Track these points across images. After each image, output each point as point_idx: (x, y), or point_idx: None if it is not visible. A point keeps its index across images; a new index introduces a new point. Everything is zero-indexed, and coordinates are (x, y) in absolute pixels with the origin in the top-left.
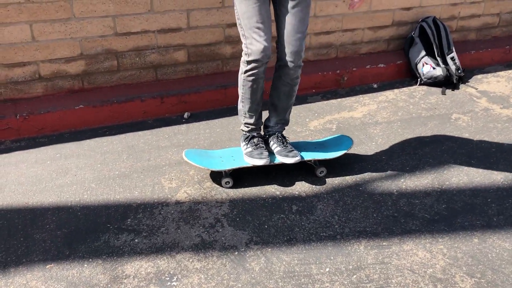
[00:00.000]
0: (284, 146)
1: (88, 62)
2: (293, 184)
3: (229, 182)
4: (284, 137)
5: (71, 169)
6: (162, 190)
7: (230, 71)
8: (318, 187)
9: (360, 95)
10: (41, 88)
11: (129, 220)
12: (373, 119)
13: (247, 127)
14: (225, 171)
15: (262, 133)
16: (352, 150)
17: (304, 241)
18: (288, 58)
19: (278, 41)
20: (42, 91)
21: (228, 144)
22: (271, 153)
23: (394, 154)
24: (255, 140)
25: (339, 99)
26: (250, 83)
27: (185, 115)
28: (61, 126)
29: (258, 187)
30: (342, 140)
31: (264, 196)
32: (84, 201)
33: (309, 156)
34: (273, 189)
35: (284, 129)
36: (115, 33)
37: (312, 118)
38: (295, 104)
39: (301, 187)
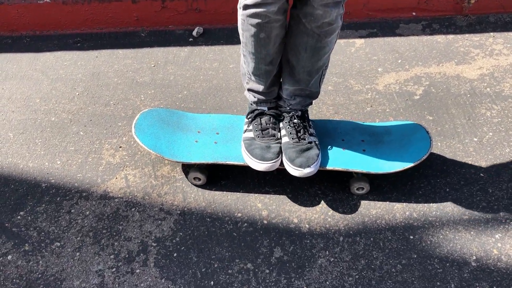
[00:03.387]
0: (297, 138)
1: None
2: (297, 200)
3: (199, 179)
4: (304, 120)
5: (0, 100)
6: (95, 167)
7: None
8: (336, 217)
9: (492, 33)
10: None
11: (22, 213)
12: (496, 87)
13: (253, 96)
14: (195, 164)
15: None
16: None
17: None
18: None
19: None
20: None
21: (234, 96)
22: None
23: (507, 171)
24: (264, 120)
25: (451, 36)
26: (253, 29)
27: (195, 32)
28: (21, 25)
29: (238, 195)
30: (414, 136)
31: (239, 215)
32: None
33: (339, 163)
34: (260, 204)
35: (309, 105)
36: None
37: (390, 67)
38: (374, 33)
39: (306, 211)
